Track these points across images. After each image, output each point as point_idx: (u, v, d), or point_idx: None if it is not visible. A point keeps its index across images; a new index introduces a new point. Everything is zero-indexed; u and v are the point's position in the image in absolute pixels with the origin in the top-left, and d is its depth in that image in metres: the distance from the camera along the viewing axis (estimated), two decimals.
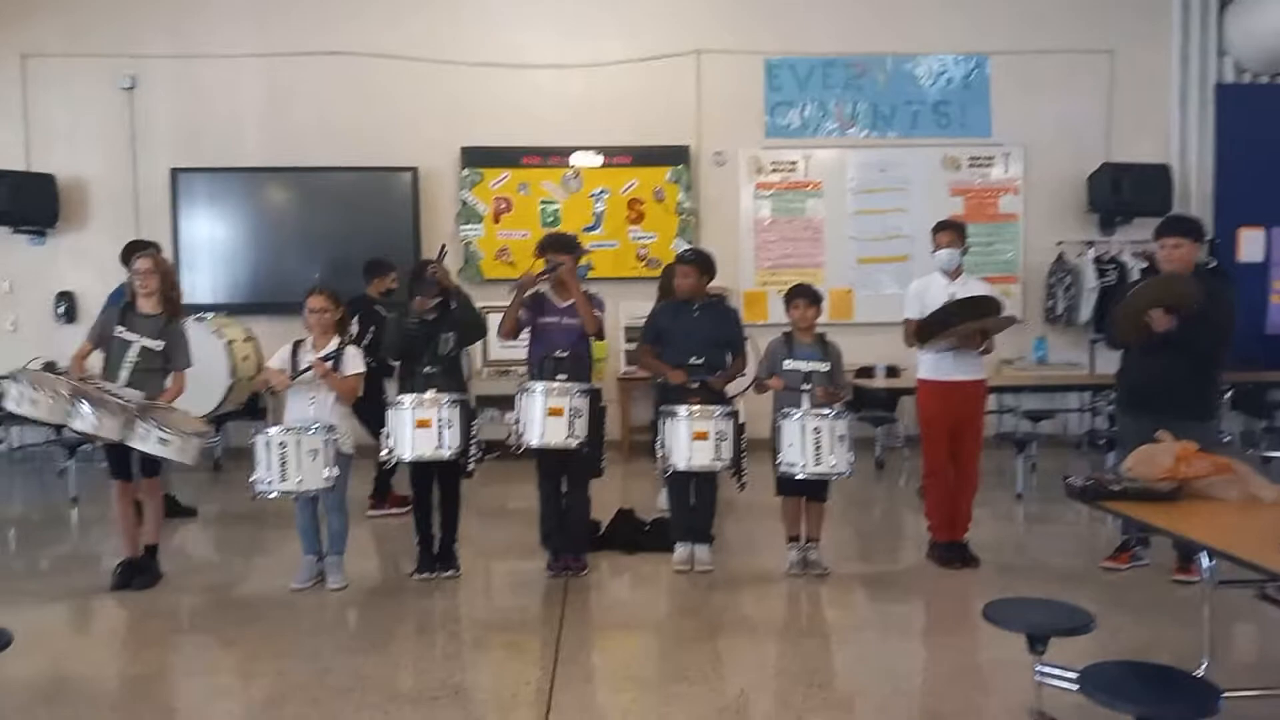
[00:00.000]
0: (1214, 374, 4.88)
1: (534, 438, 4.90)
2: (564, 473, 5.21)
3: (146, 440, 4.70)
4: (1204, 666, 3.43)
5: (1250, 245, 9.12)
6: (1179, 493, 3.37)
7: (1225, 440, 8.03)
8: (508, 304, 5.19)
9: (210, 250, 8.77)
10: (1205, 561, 3.21)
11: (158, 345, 4.91)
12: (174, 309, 5.05)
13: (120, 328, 4.90)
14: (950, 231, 5.29)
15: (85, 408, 4.58)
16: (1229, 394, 8.04)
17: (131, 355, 4.88)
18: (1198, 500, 3.38)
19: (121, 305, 5.03)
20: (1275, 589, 3.27)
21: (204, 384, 6.02)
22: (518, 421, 4.96)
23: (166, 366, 4.96)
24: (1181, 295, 4.59)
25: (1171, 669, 2.79)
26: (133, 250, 6.14)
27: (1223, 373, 5.02)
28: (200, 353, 5.51)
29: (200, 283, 8.68)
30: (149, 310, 4.97)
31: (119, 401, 4.66)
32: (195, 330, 6.01)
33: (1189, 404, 4.61)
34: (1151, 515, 3.26)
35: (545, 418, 4.87)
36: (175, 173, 8.70)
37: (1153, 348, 4.67)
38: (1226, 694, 2.65)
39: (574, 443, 4.92)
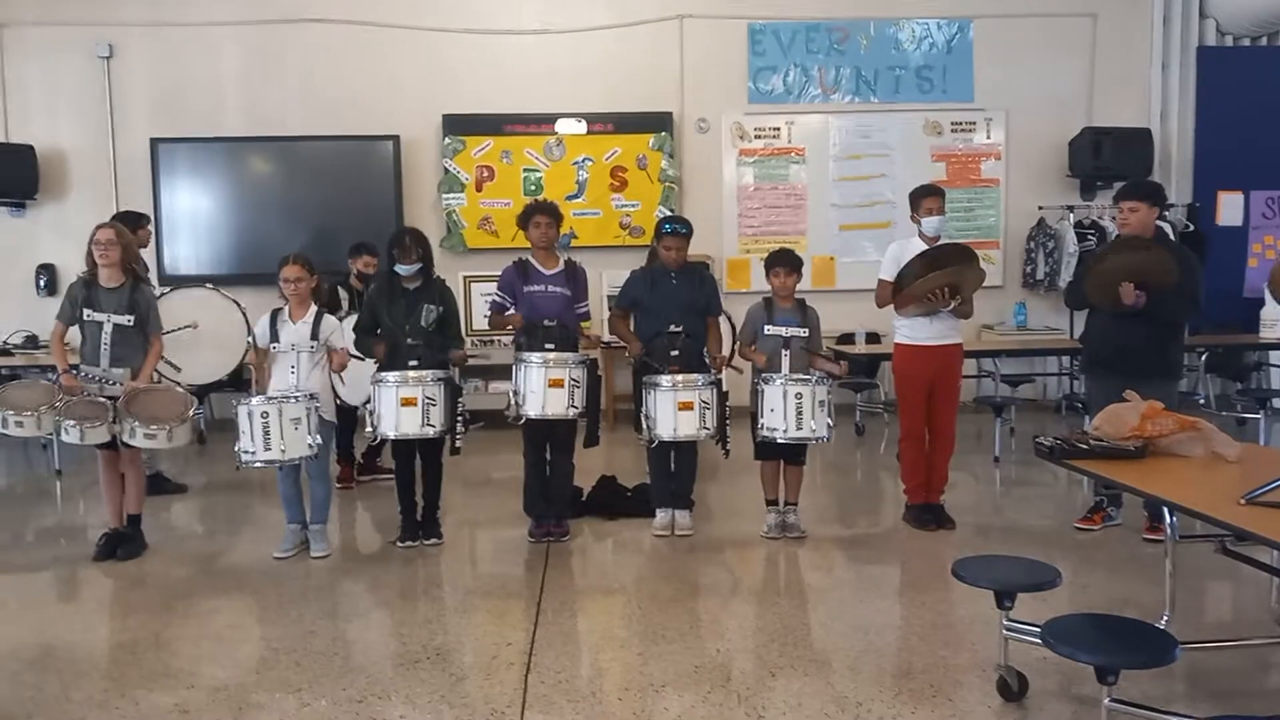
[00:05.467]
0: (1179, 336, 4.96)
1: (535, 409, 4.95)
2: (549, 440, 5.25)
3: (134, 437, 4.83)
4: (1165, 619, 3.51)
5: (1229, 209, 9.17)
6: (1145, 451, 3.45)
7: (1200, 402, 8.16)
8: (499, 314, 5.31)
9: (192, 221, 8.75)
10: (1168, 517, 3.28)
11: (127, 320, 4.92)
12: (135, 278, 5.05)
13: (87, 310, 4.91)
14: (938, 198, 5.25)
15: (69, 424, 4.75)
16: (1204, 356, 8.16)
17: (106, 333, 4.90)
18: (1163, 458, 3.46)
19: (83, 281, 4.98)
20: (1234, 543, 3.34)
21: (225, 346, 6.23)
22: (516, 393, 5.00)
23: (143, 337, 4.99)
24: (1159, 274, 4.63)
25: (1132, 621, 2.87)
26: (133, 219, 6.21)
27: (1186, 334, 5.09)
28: (218, 317, 6.00)
29: (183, 254, 8.69)
30: (111, 283, 4.95)
31: (102, 401, 4.83)
32: (208, 296, 6.19)
33: (1154, 365, 4.70)
34: (1117, 473, 3.33)
35: (546, 389, 4.92)
36: (155, 143, 8.65)
37: (1118, 312, 4.73)
38: (1185, 645, 2.73)
39: (574, 413, 4.98)
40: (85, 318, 4.92)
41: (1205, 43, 9.17)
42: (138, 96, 8.77)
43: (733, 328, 6.13)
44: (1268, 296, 7.88)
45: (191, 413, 5.02)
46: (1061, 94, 9.12)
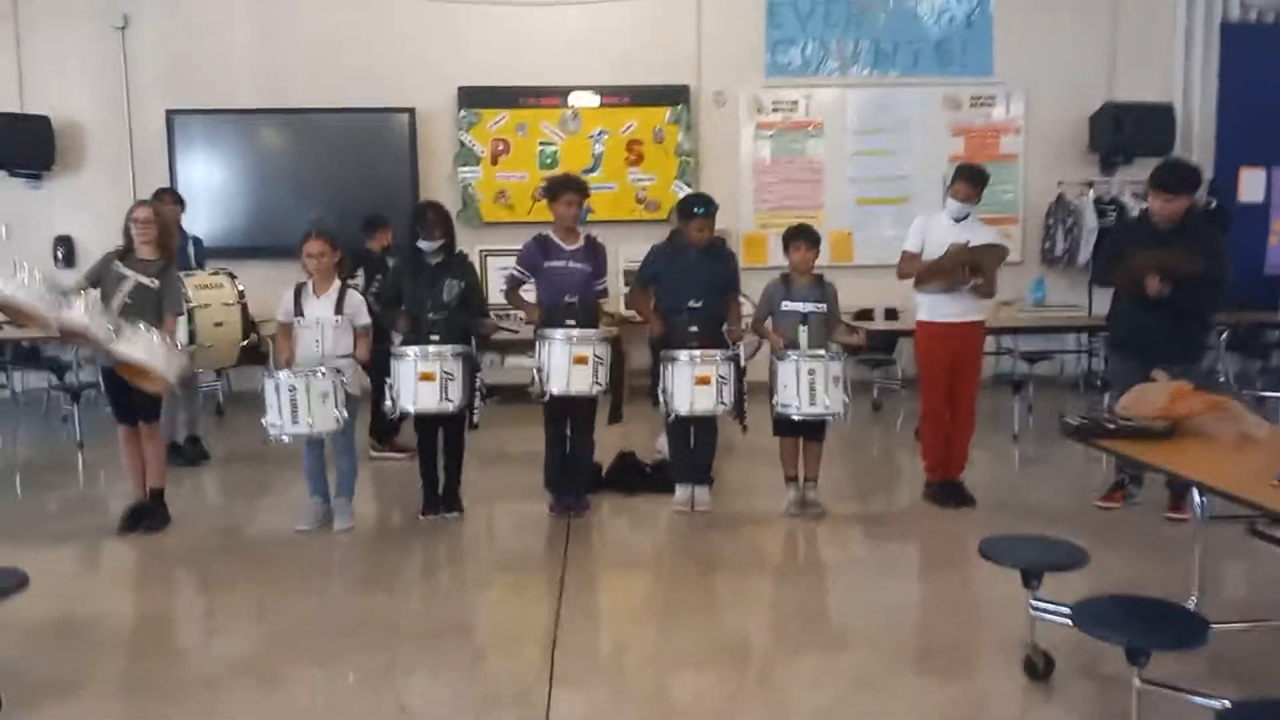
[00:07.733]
0: (1205, 319, 4.92)
1: (560, 386, 4.93)
2: (570, 416, 5.25)
3: (134, 345, 4.48)
4: (1194, 600, 3.50)
5: (1251, 185, 9.07)
6: (1172, 431, 3.42)
7: (1220, 380, 8.10)
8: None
9: (206, 193, 8.70)
10: (1197, 497, 3.26)
11: (153, 283, 4.86)
12: (170, 257, 5.06)
13: (119, 262, 4.88)
14: (971, 186, 5.19)
15: (77, 303, 4.35)
16: (1224, 335, 8.10)
17: (126, 289, 4.80)
18: (1191, 438, 3.43)
19: (121, 249, 4.97)
20: (1265, 524, 3.33)
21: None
22: (540, 369, 4.99)
23: (159, 308, 4.88)
24: (1182, 271, 4.59)
25: (1163, 602, 2.86)
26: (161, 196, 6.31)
27: (1213, 316, 5.04)
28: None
29: (197, 227, 8.58)
30: (147, 256, 4.95)
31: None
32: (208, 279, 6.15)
33: (1179, 348, 4.66)
34: (1146, 453, 3.32)
35: (571, 365, 4.91)
36: (171, 114, 8.62)
37: (1144, 301, 4.69)
38: (1216, 625, 2.72)
39: (598, 390, 4.97)
40: (113, 267, 4.85)
41: (1229, 19, 9.04)
42: (152, 68, 8.71)
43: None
44: None
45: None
46: (1082, 69, 8.98)
